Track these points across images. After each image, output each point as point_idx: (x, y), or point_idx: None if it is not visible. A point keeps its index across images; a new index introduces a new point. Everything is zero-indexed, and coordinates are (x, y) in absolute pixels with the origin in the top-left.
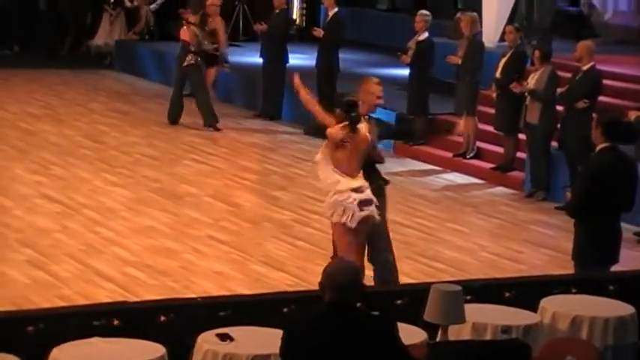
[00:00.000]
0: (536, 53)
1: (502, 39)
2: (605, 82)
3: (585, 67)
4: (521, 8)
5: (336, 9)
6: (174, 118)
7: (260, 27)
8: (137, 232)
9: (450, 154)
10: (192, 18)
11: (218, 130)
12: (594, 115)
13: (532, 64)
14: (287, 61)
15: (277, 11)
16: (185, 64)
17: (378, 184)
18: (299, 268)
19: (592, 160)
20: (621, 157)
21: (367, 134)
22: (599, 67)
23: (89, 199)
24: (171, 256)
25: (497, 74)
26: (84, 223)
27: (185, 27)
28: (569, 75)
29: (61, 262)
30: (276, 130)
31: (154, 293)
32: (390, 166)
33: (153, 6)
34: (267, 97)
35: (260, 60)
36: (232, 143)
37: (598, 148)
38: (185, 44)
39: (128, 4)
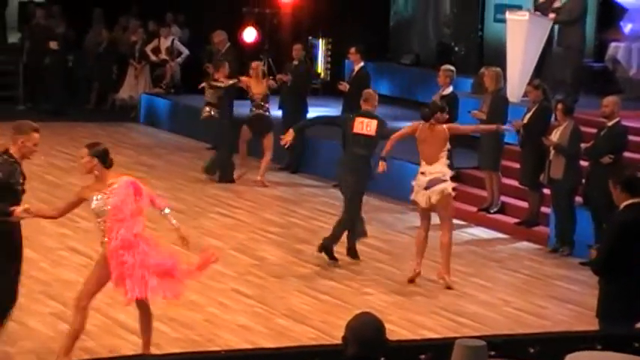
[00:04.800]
0: (559, 106)
1: (526, 95)
2: (631, 137)
3: (611, 123)
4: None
5: (361, 63)
6: (210, 172)
7: (284, 77)
8: None
9: (474, 209)
10: (218, 75)
11: (233, 181)
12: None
13: (555, 118)
14: (307, 114)
15: (296, 63)
16: (202, 116)
17: None
18: (322, 321)
19: (616, 216)
20: None
21: None
22: (624, 122)
23: None
24: (195, 309)
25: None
26: None
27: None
28: (593, 130)
29: None
30: (299, 183)
31: (178, 346)
32: (413, 220)
33: (178, 60)
34: (289, 150)
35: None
36: (256, 196)
37: (622, 205)
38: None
39: (153, 58)
